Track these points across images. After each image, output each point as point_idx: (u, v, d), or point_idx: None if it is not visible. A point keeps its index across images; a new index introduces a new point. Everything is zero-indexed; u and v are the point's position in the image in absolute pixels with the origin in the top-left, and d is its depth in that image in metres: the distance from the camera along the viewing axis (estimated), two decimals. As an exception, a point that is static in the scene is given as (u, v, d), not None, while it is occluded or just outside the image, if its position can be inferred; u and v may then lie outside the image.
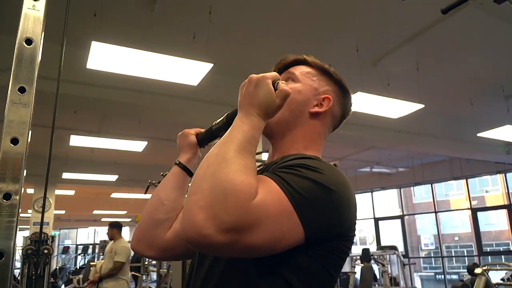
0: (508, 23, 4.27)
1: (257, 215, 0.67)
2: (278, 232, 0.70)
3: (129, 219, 18.90)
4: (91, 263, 11.78)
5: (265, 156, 5.09)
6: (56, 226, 13.18)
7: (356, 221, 0.83)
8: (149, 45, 3.70)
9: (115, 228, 5.57)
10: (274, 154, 1.00)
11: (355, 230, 0.83)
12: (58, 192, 9.72)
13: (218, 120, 1.01)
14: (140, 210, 15.18)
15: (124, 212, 16.16)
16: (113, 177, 9.39)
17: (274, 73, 0.85)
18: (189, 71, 4.13)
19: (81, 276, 12.83)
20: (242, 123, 0.79)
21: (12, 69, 0.76)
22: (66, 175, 8.80)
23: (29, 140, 0.75)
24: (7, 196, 0.71)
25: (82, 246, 18.67)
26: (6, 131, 0.73)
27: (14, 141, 0.73)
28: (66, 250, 18.03)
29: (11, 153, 0.73)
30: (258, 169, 0.87)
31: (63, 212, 15.47)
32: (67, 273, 16.20)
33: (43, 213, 9.61)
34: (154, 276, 12.28)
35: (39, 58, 0.79)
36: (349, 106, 1.07)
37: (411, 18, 4.27)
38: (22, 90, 0.76)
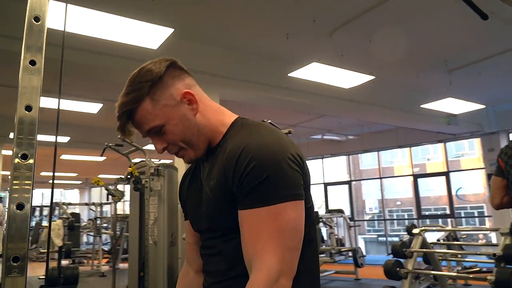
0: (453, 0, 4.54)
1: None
2: (299, 227, 0.90)
3: (79, 182, 18.56)
4: (41, 225, 11.65)
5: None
6: (2, 188, 12.76)
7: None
8: (108, 6, 3.66)
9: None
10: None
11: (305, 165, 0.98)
12: (5, 152, 9.40)
13: None
14: (91, 173, 14.87)
15: (74, 174, 15.84)
16: (64, 139, 9.19)
17: None
18: (149, 35, 4.12)
19: (29, 237, 12.68)
20: None
21: (23, 42, 0.85)
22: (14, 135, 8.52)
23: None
24: (24, 156, 0.82)
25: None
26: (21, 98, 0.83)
27: (28, 108, 0.84)
28: (12, 212, 17.50)
29: (26, 119, 0.83)
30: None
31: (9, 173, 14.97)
32: (13, 235, 15.83)
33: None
34: (105, 238, 12.34)
35: (46, 33, 0.88)
36: (177, 63, 1.07)
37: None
38: (32, 62, 0.85)
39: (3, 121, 8.48)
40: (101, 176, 14.26)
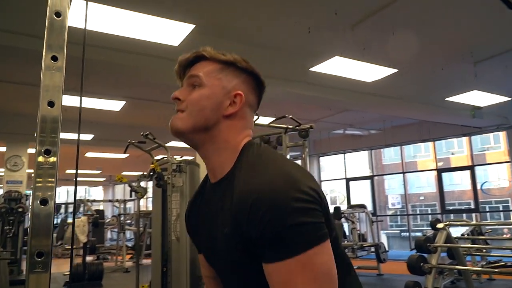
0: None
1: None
2: (330, 269, 0.83)
3: (103, 179, 18.88)
4: (66, 222, 11.89)
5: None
6: (28, 185, 13.06)
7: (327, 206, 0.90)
8: (129, 4, 3.68)
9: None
10: (210, 167, 1.00)
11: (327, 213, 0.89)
12: (31, 150, 9.61)
13: None
14: (116, 170, 15.05)
15: (98, 172, 16.11)
16: (88, 136, 9.34)
17: None
18: (170, 31, 4.14)
19: (54, 234, 12.97)
20: None
21: (45, 39, 0.85)
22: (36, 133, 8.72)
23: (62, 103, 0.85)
24: (47, 151, 0.82)
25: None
26: (43, 95, 0.83)
27: (50, 104, 0.84)
28: (38, 209, 17.92)
29: (48, 116, 0.83)
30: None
31: (35, 171, 15.32)
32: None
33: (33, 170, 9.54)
34: (129, 234, 12.53)
35: (67, 29, 0.88)
36: (263, 88, 1.05)
37: (389, -16, 4.36)
38: (54, 58, 0.85)
39: (30, 120, 8.69)
40: (124, 173, 14.46)
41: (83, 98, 6.65)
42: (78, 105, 6.95)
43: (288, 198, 0.81)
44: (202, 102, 0.95)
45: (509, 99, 7.31)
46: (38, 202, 0.79)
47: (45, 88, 0.84)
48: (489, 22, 5.31)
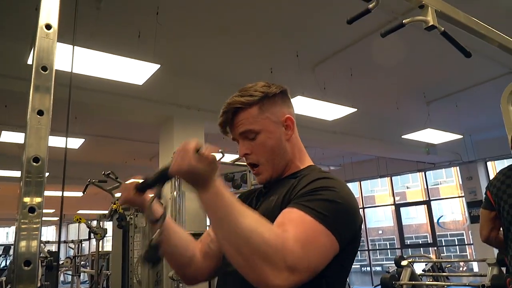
0: (432, 37, 4.70)
1: (302, 251, 0.80)
2: (324, 252, 0.85)
3: (56, 218, 18.06)
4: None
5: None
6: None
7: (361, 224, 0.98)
8: (94, 43, 3.66)
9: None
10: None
11: (361, 230, 0.97)
12: None
13: (155, 172, 0.97)
14: (71, 208, 14.37)
15: (52, 211, 15.42)
16: (43, 174, 8.99)
17: (195, 142, 0.84)
18: (134, 71, 4.12)
19: (3, 278, 12.15)
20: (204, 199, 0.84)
21: (30, 99, 0.84)
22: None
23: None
24: (32, 209, 0.80)
25: (3, 247, 17.58)
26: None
27: (35, 160, 0.82)
28: (-16, 250, 16.87)
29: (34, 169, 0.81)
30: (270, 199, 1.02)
31: (-18, 210, 14.50)
32: (-14, 275, 15.21)
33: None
34: (82, 276, 11.94)
35: (53, 87, 0.87)
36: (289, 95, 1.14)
37: (346, 28, 4.56)
38: (40, 113, 0.84)
39: None
40: (80, 211, 13.92)
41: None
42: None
43: (343, 197, 0.90)
44: (268, 145, 1.03)
45: (461, 136, 7.69)
46: (22, 263, 0.76)
47: (30, 145, 0.82)
48: (441, 64, 5.65)
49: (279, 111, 1.06)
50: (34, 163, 0.81)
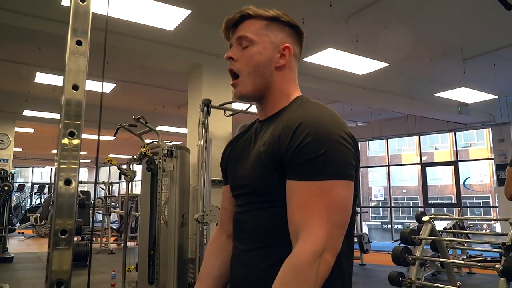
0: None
1: (326, 235, 0.85)
2: (347, 204, 0.89)
3: (88, 160, 18.71)
4: (51, 202, 11.80)
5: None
6: (14, 164, 12.92)
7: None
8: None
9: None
10: (263, 109, 1.08)
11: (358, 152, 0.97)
12: (17, 129, 9.49)
13: None
14: (102, 153, 14.86)
15: (84, 153, 15.98)
16: (75, 118, 9.25)
17: None
18: (165, 16, 4.11)
19: (38, 214, 12.85)
20: None
21: (70, 23, 0.87)
22: (26, 113, 8.62)
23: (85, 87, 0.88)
24: (71, 133, 0.85)
25: (38, 185, 18.46)
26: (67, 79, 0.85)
27: (75, 87, 0.86)
28: (21, 188, 17.75)
29: (73, 100, 0.86)
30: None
31: (19, 150, 15.13)
32: (22, 211, 16.10)
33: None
34: (112, 216, 12.51)
35: (91, 14, 0.90)
36: (303, 38, 1.11)
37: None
38: (79, 43, 0.87)
39: (14, 98, 8.56)
40: (110, 155, 14.36)
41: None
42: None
43: (333, 132, 0.90)
44: (256, 58, 1.02)
45: (496, 97, 7.45)
46: (63, 182, 0.82)
47: (69, 73, 0.86)
48: (480, 20, 5.40)
49: (282, 38, 1.05)
50: (74, 90, 0.85)
